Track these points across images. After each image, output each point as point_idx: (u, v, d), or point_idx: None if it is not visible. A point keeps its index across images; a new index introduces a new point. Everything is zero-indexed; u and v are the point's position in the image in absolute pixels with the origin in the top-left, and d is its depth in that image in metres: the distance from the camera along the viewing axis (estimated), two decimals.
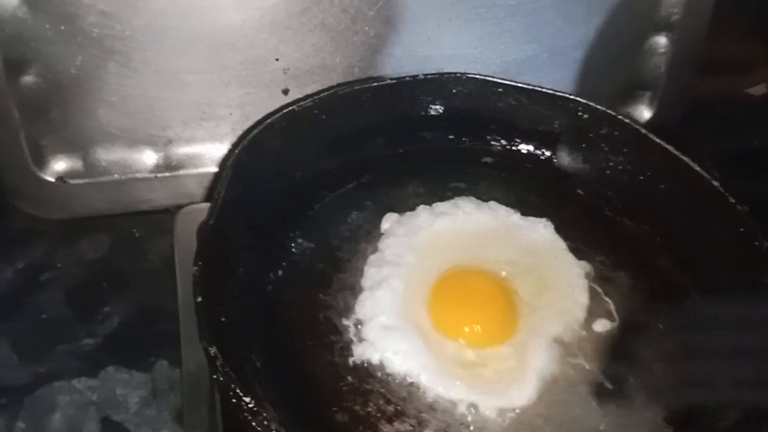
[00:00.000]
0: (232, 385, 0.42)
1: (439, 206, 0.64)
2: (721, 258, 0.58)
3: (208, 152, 0.69)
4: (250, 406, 0.42)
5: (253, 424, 0.41)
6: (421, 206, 0.63)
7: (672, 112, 0.80)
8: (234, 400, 0.42)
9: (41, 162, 0.65)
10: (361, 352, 0.53)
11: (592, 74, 0.75)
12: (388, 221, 0.63)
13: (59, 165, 0.65)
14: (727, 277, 0.57)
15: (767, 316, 0.52)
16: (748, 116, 0.87)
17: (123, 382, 0.56)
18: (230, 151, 0.67)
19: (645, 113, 0.80)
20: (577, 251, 0.62)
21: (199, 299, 0.45)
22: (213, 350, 0.43)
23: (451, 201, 0.64)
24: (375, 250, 0.60)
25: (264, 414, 0.41)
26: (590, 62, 0.75)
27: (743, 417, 0.49)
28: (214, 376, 0.43)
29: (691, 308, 0.58)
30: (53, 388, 0.55)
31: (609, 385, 0.53)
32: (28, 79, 0.61)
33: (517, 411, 0.51)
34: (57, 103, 0.63)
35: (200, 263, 0.47)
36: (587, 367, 0.54)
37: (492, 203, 0.64)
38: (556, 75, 0.74)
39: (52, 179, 0.65)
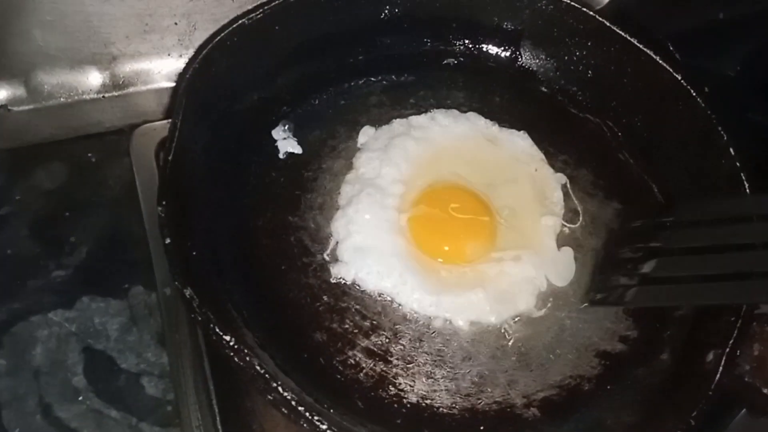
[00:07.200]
0: (211, 325, 0.42)
1: (416, 119, 0.61)
2: (681, 150, 0.59)
3: (156, 67, 0.65)
4: (231, 343, 0.42)
5: (236, 359, 0.42)
6: (396, 120, 0.61)
7: None
8: (214, 338, 0.43)
9: None
10: (336, 272, 0.53)
11: None
12: (365, 135, 0.60)
13: (0, 93, 0.62)
14: (687, 170, 0.58)
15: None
16: None
17: (100, 311, 0.56)
18: (180, 76, 0.63)
19: None
20: (545, 153, 0.61)
21: (168, 241, 0.44)
22: (188, 292, 0.43)
23: (429, 114, 0.61)
24: (348, 167, 0.58)
25: (245, 350, 0.42)
26: None
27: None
28: (192, 316, 0.43)
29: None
30: (31, 324, 0.55)
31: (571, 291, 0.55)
32: None
33: (488, 324, 0.52)
34: None
35: (164, 202, 0.45)
36: (555, 280, 0.55)
37: (471, 115, 0.62)
38: None
39: None
